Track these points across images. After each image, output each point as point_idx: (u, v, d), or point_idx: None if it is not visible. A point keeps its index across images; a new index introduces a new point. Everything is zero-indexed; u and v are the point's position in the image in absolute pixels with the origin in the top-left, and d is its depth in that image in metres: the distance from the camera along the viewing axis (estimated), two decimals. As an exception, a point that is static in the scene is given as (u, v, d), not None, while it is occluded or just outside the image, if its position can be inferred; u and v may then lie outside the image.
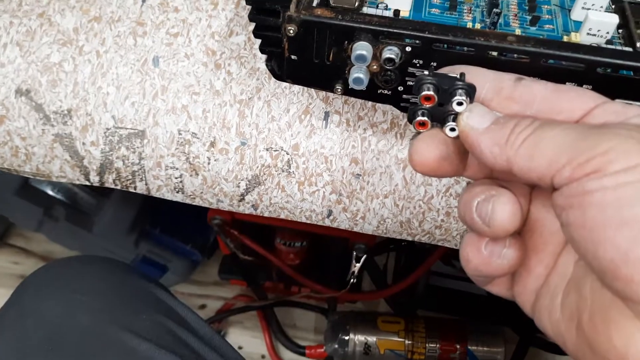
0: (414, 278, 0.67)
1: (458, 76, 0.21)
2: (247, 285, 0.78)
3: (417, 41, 0.24)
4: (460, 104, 0.21)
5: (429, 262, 0.66)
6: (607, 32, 0.25)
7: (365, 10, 0.26)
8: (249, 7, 0.26)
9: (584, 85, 0.24)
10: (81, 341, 0.32)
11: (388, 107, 0.29)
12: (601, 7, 0.26)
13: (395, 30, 0.24)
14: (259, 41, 0.30)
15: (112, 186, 0.32)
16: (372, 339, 0.70)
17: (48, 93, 0.30)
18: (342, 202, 0.31)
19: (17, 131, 0.31)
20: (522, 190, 0.22)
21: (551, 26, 0.27)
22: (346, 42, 0.24)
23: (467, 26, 0.26)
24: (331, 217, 0.31)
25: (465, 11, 0.28)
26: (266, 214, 0.32)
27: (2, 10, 0.31)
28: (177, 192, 0.32)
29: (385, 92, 0.26)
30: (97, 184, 0.32)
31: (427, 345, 0.68)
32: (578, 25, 0.27)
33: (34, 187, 0.69)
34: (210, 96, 0.30)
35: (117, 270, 0.38)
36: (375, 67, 0.25)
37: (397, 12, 0.26)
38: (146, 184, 0.32)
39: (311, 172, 0.30)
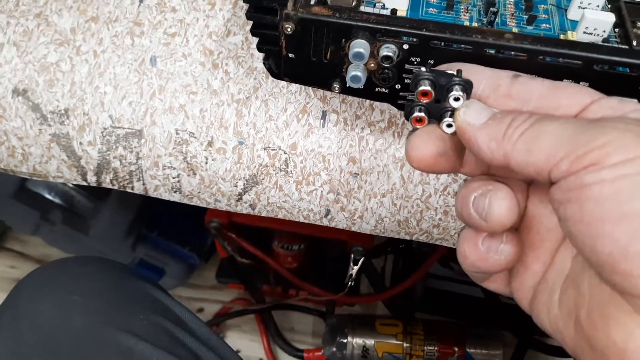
0: (412, 281, 0.67)
1: (455, 73, 0.21)
2: (245, 288, 0.78)
3: (415, 39, 0.24)
4: (457, 99, 0.21)
5: (427, 264, 0.66)
6: (604, 31, 0.25)
7: (362, 9, 0.26)
8: (246, 5, 0.26)
9: (581, 83, 0.24)
10: (77, 342, 0.32)
11: (385, 105, 0.29)
12: (597, 6, 0.26)
13: (392, 28, 0.24)
14: (256, 41, 0.31)
15: (110, 186, 0.32)
16: (370, 341, 0.69)
17: (45, 93, 0.30)
18: (339, 201, 0.30)
19: (13, 131, 0.31)
20: (519, 187, 0.21)
21: (548, 25, 0.27)
22: (343, 40, 0.24)
23: (465, 25, 0.27)
24: (329, 217, 0.31)
25: (462, 10, 0.28)
26: (264, 214, 0.32)
27: (-1, 10, 0.31)
28: (175, 192, 0.32)
29: (383, 90, 0.26)
30: (95, 184, 0.32)
31: (425, 348, 0.68)
32: (574, 24, 0.27)
33: (30, 190, 0.69)
34: (207, 96, 0.30)
35: (113, 270, 0.37)
36: (372, 65, 0.25)
37: (394, 11, 0.26)
38: (143, 184, 0.32)
39: (309, 171, 0.30)
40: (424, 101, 0.21)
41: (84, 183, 0.32)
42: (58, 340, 0.32)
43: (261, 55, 0.30)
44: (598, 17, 0.25)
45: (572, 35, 0.26)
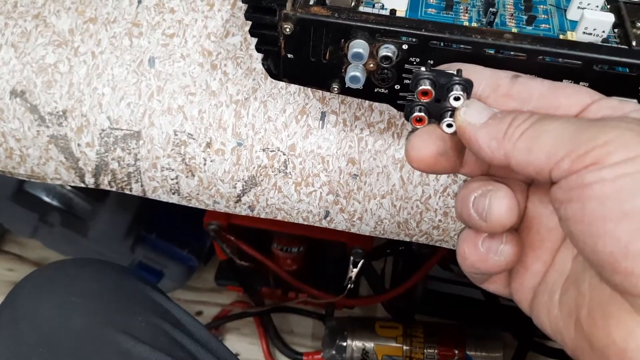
0: (411, 283, 0.67)
1: (455, 72, 0.21)
2: (244, 291, 0.77)
3: (414, 39, 0.24)
4: (457, 99, 0.21)
5: (427, 266, 0.66)
6: (603, 31, 0.25)
7: (361, 9, 0.26)
8: (245, 5, 0.26)
9: (581, 83, 0.24)
10: (76, 343, 0.31)
11: (385, 106, 0.29)
12: (597, 6, 0.26)
13: (392, 28, 0.23)
14: (255, 42, 0.30)
15: (108, 188, 0.32)
16: (370, 344, 0.69)
17: (43, 94, 0.30)
18: (339, 202, 0.30)
19: (11, 132, 0.31)
20: (519, 187, 0.21)
21: (547, 25, 0.27)
22: (343, 40, 0.24)
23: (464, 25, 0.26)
24: (328, 218, 0.31)
25: (461, 11, 0.28)
26: (263, 215, 0.32)
27: (-3, 11, 0.31)
28: (173, 193, 0.32)
29: (382, 90, 0.26)
30: (93, 186, 0.32)
31: (425, 350, 0.68)
32: (574, 24, 0.27)
33: (28, 192, 0.69)
34: (206, 97, 0.30)
35: (112, 272, 0.37)
36: (372, 65, 0.25)
37: (393, 11, 0.26)
38: (142, 186, 0.32)
39: (308, 172, 0.30)
40: (424, 101, 0.21)
41: (82, 185, 0.32)
42: (57, 340, 0.31)
43: (260, 56, 0.30)
44: (597, 18, 0.25)
45: (571, 36, 0.26)
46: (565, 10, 0.27)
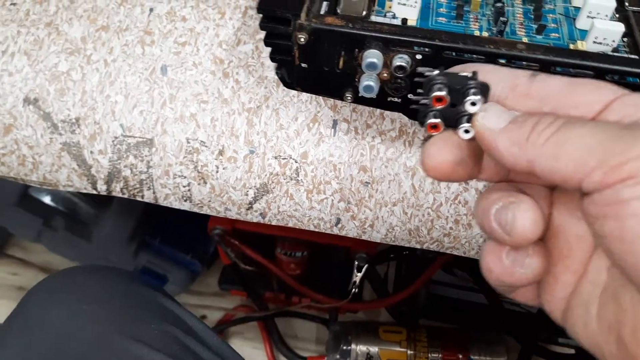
0: (415, 287, 0.67)
1: (470, 75, 0.20)
2: (248, 295, 0.77)
3: (428, 49, 0.24)
4: (474, 104, 0.20)
5: (431, 271, 0.66)
6: (613, 41, 0.26)
7: (373, 18, 0.26)
8: (259, 15, 0.26)
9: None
10: (88, 351, 0.31)
11: (396, 114, 0.29)
12: (606, 15, 0.27)
13: (406, 39, 0.24)
14: (266, 50, 0.31)
15: (120, 195, 0.32)
16: (374, 349, 0.69)
17: (56, 102, 0.30)
18: (350, 210, 0.31)
19: (24, 140, 0.31)
20: (543, 193, 0.20)
21: (557, 35, 0.27)
22: (357, 50, 0.25)
23: (475, 34, 0.27)
24: (339, 225, 0.31)
25: (471, 20, 0.28)
26: (274, 222, 0.32)
27: (10, 19, 0.31)
28: (185, 200, 0.32)
29: (395, 99, 0.26)
30: (105, 193, 0.32)
31: (429, 355, 0.68)
32: (583, 33, 0.27)
33: (33, 197, 0.69)
34: (218, 104, 0.30)
35: (121, 279, 0.37)
36: (385, 74, 0.25)
37: (405, 20, 0.26)
38: (154, 193, 0.32)
39: (319, 180, 0.30)
40: (439, 107, 0.21)
41: (94, 192, 0.32)
42: (69, 348, 0.31)
43: (271, 64, 0.30)
44: (608, 27, 0.25)
45: (581, 45, 0.26)
46: (575, 20, 0.28)
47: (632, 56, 0.25)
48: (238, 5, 0.32)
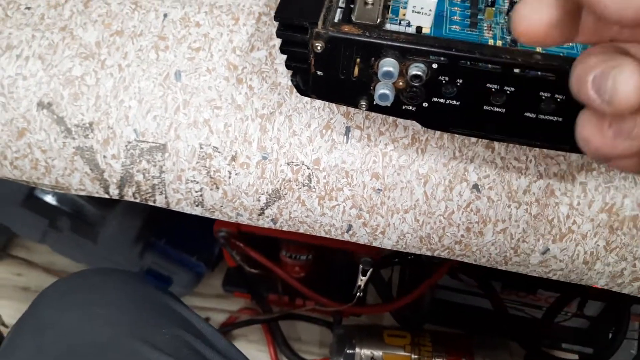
0: (420, 291, 0.67)
1: None
2: (252, 298, 0.77)
3: (444, 58, 0.24)
4: None
5: (437, 276, 0.66)
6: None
7: (387, 26, 0.26)
8: (272, 21, 0.27)
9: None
10: (101, 354, 0.31)
11: (409, 122, 0.29)
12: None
13: (423, 48, 0.24)
14: (279, 56, 0.31)
15: (132, 199, 0.32)
16: (378, 353, 0.69)
17: (70, 106, 0.31)
18: (362, 216, 0.31)
19: (37, 144, 0.31)
20: None
21: (570, 43, 0.27)
22: (373, 58, 0.25)
23: (489, 43, 0.27)
24: (350, 232, 0.32)
25: (485, 28, 0.28)
26: (285, 228, 0.32)
27: (25, 23, 0.32)
28: (197, 205, 0.32)
29: (410, 108, 0.26)
30: (117, 197, 0.32)
31: (433, 359, 0.68)
32: (597, 43, 0.27)
33: (39, 198, 0.69)
34: (232, 110, 0.30)
35: (133, 282, 0.37)
36: (401, 83, 0.25)
37: (419, 28, 0.26)
38: (166, 198, 0.32)
39: (332, 186, 0.30)
40: None
41: (106, 196, 0.32)
42: (82, 352, 0.31)
43: (284, 70, 0.30)
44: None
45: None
46: (589, 29, 0.28)
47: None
48: (252, 12, 0.32)
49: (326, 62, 0.25)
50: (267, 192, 0.31)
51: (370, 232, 0.31)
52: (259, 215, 0.32)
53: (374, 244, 0.32)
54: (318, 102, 0.30)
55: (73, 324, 0.33)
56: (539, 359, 0.71)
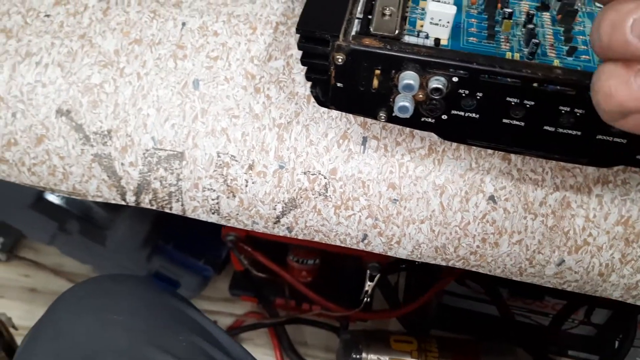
0: (427, 297, 0.67)
1: None
2: (258, 302, 0.78)
3: (464, 72, 0.24)
4: None
5: (444, 282, 0.66)
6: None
7: (406, 38, 0.26)
8: (290, 31, 0.27)
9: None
10: (118, 362, 0.32)
11: (426, 133, 0.30)
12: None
13: (444, 61, 0.24)
14: (297, 66, 0.31)
15: (148, 206, 0.32)
16: (384, 358, 0.69)
17: (88, 114, 0.31)
18: (378, 226, 0.31)
19: (55, 150, 0.31)
20: None
21: (587, 57, 0.28)
22: (393, 71, 0.25)
23: (506, 55, 0.27)
24: (366, 241, 0.32)
25: (502, 40, 0.28)
26: (300, 237, 0.32)
27: (44, 31, 0.32)
28: (213, 213, 0.32)
29: (429, 120, 0.26)
30: (133, 204, 0.32)
31: (440, 365, 0.68)
32: (615, 56, 0.27)
33: (48, 200, 0.70)
34: (249, 119, 0.30)
35: (149, 288, 0.38)
36: (421, 95, 0.25)
37: (437, 41, 0.27)
38: (182, 205, 0.32)
39: (348, 196, 0.30)
40: None
41: (123, 203, 0.32)
42: (99, 358, 0.32)
43: (302, 80, 0.31)
44: None
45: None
46: (606, 43, 0.28)
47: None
48: (269, 21, 0.32)
49: (347, 74, 0.26)
50: (283, 200, 0.31)
51: (385, 242, 0.31)
52: (275, 223, 0.32)
53: (389, 253, 0.32)
54: (335, 112, 0.30)
55: (90, 331, 0.33)
56: (545, 366, 0.71)
